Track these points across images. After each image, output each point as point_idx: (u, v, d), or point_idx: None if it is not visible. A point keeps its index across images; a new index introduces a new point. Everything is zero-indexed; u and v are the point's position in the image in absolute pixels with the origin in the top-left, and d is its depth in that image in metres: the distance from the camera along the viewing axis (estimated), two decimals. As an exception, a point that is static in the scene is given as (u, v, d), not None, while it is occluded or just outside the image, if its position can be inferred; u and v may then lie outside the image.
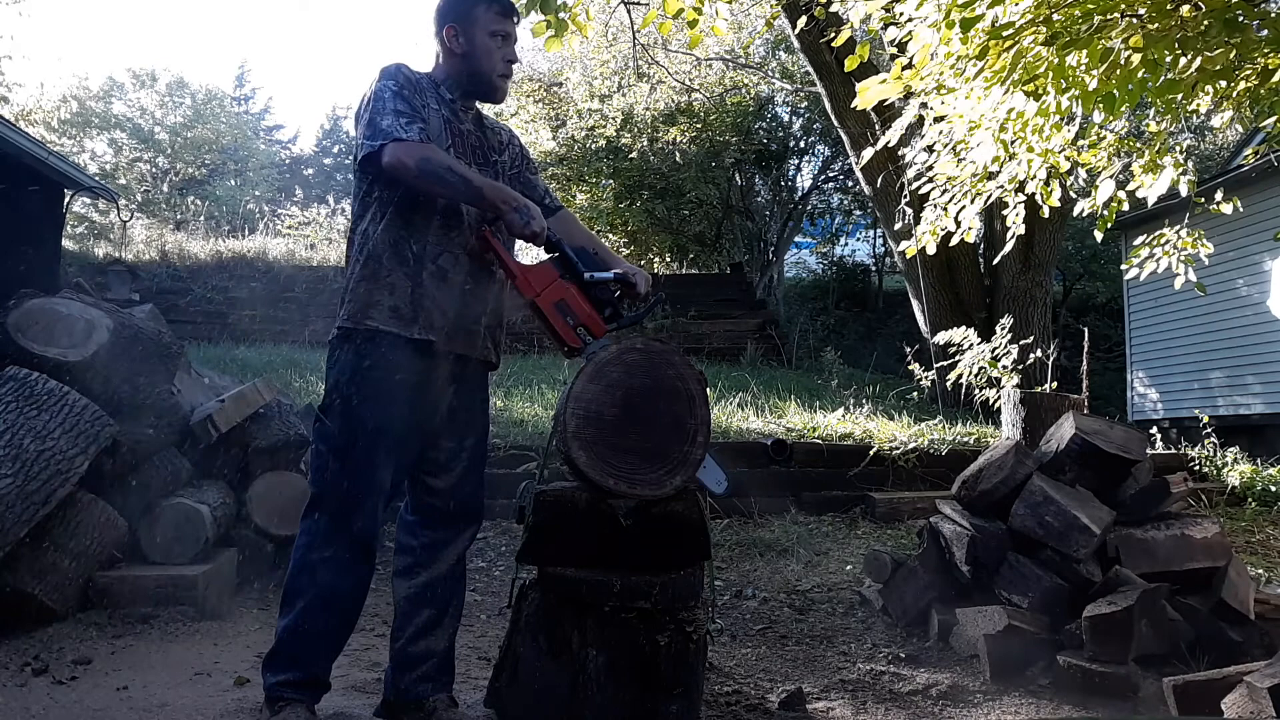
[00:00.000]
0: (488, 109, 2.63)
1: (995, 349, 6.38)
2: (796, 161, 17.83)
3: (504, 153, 2.53)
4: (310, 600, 2.23)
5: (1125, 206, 4.64)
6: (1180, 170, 4.55)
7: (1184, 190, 4.66)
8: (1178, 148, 4.78)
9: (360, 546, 2.27)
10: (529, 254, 3.63)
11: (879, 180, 9.08)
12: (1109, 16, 2.90)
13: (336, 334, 2.32)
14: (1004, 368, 6.31)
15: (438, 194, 2.26)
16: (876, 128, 7.59)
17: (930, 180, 5.02)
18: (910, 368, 7.28)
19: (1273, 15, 3.09)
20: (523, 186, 2.49)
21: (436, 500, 2.42)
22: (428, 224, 2.29)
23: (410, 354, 2.26)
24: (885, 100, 4.17)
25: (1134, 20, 2.87)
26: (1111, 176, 4.49)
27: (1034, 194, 4.74)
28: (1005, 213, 5.09)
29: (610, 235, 15.95)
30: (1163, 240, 5.19)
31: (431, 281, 2.27)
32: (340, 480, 2.24)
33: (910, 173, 5.58)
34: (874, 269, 19.26)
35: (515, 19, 2.45)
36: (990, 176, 4.70)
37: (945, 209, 5.08)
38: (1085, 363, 7.23)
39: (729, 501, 5.18)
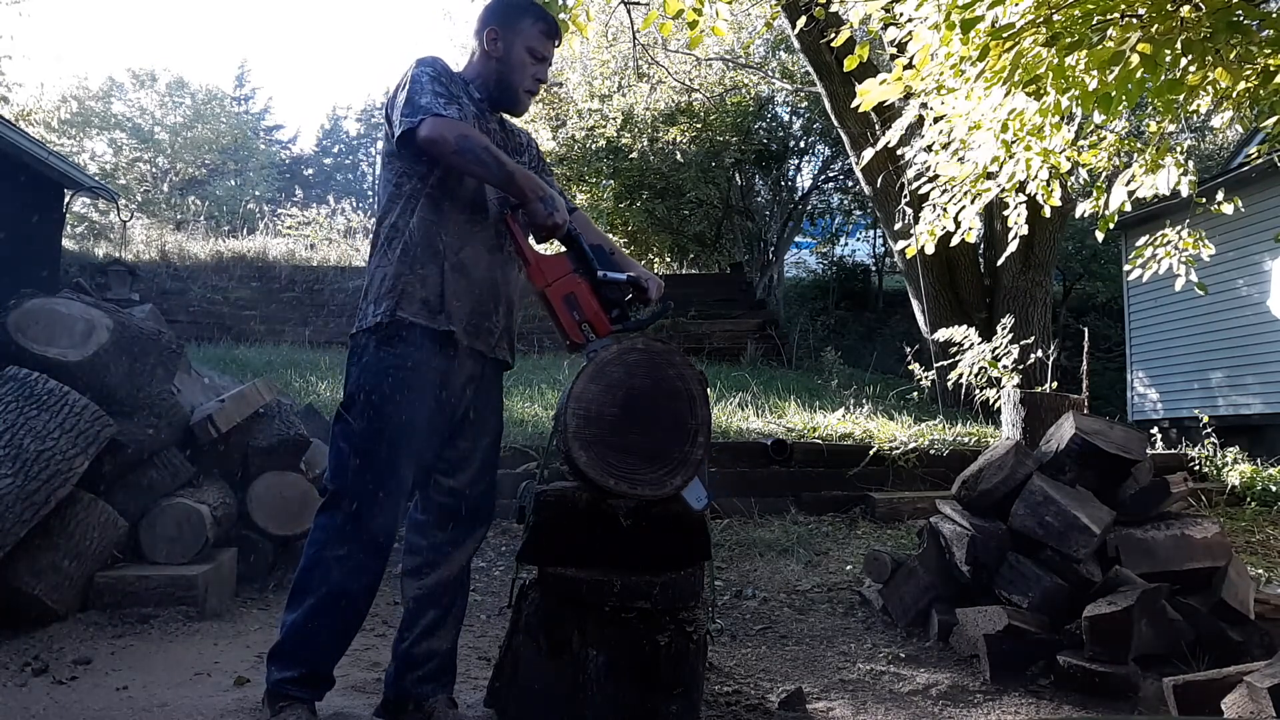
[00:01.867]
0: None
1: (996, 349, 6.38)
2: (796, 161, 17.84)
3: (524, 154, 2.54)
4: (320, 598, 2.22)
5: (1126, 207, 4.64)
6: (1181, 170, 4.55)
7: (1184, 190, 4.66)
8: (1178, 148, 4.78)
9: (376, 546, 2.25)
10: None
11: (879, 180, 9.08)
12: (1109, 17, 2.90)
13: (364, 329, 2.29)
14: (1004, 367, 6.30)
15: (471, 173, 2.25)
16: (876, 128, 7.59)
17: (930, 180, 5.02)
18: (910, 368, 7.28)
19: (1273, 15, 3.09)
20: None
21: (449, 500, 2.41)
22: (453, 217, 2.30)
23: (436, 349, 2.26)
24: (885, 100, 4.17)
25: (1134, 21, 2.87)
26: (1124, 184, 4.49)
27: (1034, 194, 4.74)
28: (1006, 213, 5.09)
29: (610, 235, 15.92)
30: (1164, 241, 5.19)
31: (454, 274, 2.28)
32: (362, 478, 2.22)
33: (910, 173, 5.59)
34: (874, 269, 19.27)
35: (556, 43, 2.46)
36: (990, 176, 4.70)
37: (945, 209, 5.08)
38: (1085, 363, 7.23)
39: (729, 501, 5.19)
